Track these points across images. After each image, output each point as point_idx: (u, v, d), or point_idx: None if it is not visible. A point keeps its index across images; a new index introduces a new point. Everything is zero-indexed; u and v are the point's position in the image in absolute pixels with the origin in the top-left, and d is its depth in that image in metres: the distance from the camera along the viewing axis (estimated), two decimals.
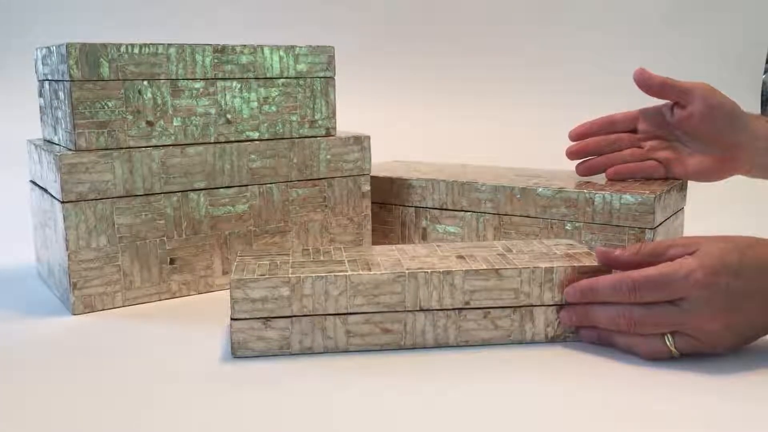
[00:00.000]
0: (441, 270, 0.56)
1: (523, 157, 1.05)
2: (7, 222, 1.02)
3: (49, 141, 0.73)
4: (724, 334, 0.52)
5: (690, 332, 0.52)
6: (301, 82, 0.75)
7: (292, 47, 0.74)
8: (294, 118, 0.75)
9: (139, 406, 0.47)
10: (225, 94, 0.71)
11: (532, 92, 1.59)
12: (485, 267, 0.56)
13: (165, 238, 0.69)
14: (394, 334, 0.56)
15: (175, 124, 0.69)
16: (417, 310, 0.56)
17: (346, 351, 0.56)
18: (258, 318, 0.55)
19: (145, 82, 0.67)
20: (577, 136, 0.80)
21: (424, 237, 0.82)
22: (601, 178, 0.79)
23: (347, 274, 0.55)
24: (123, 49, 0.65)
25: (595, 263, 0.57)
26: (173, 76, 0.68)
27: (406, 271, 0.55)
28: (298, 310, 0.55)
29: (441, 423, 0.45)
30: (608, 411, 0.46)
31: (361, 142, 0.78)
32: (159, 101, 0.68)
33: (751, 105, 1.48)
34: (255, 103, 0.73)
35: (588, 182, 0.77)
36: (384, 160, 0.98)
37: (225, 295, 0.70)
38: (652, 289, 0.52)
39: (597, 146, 0.79)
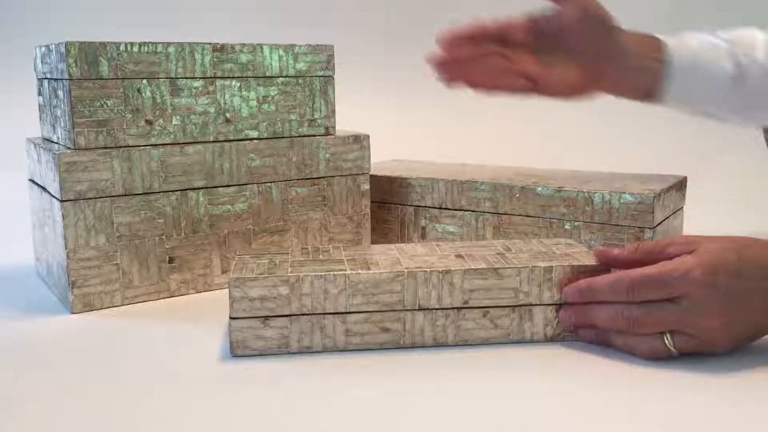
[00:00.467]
0: (440, 269, 0.56)
1: (522, 156, 1.05)
2: (5, 221, 1.02)
3: (48, 139, 0.73)
4: (723, 333, 0.52)
5: (689, 331, 0.52)
6: (301, 81, 0.75)
7: (292, 46, 0.74)
8: (293, 117, 0.75)
9: (137, 405, 0.47)
10: (224, 93, 0.71)
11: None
12: (484, 266, 0.56)
13: (164, 237, 0.69)
14: (393, 333, 0.56)
15: (174, 122, 0.69)
16: (416, 309, 0.56)
17: (345, 350, 0.56)
18: (257, 317, 0.55)
19: (144, 81, 0.67)
20: (445, 43, 0.73)
21: (423, 236, 0.82)
22: (601, 179, 0.79)
23: (346, 273, 0.55)
24: (122, 47, 0.65)
25: (594, 263, 0.57)
26: (172, 75, 0.68)
27: (405, 270, 0.55)
28: (297, 309, 0.55)
29: (440, 422, 0.45)
30: (607, 410, 0.46)
31: (360, 141, 0.78)
32: (158, 100, 0.68)
33: None
34: (254, 102, 0.72)
35: (588, 181, 0.77)
36: (383, 159, 0.98)
37: (224, 294, 0.70)
38: (651, 287, 0.52)
39: (461, 56, 0.72)
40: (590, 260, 0.58)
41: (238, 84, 0.71)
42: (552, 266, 0.57)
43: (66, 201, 0.64)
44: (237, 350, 0.55)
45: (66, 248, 0.64)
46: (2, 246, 0.89)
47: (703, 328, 0.51)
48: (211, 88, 0.70)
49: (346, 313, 0.55)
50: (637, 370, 0.52)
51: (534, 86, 0.73)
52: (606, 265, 0.57)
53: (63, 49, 0.63)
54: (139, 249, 0.67)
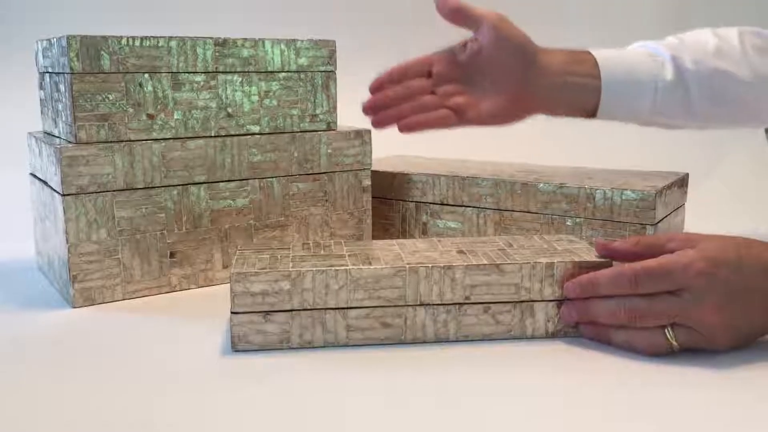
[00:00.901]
0: (442, 265, 0.56)
1: (524, 152, 1.04)
2: (6, 215, 1.02)
3: (49, 134, 0.73)
4: (724, 328, 0.52)
5: (691, 324, 0.52)
6: (303, 76, 0.75)
7: (294, 41, 0.74)
8: (295, 112, 0.75)
9: (138, 399, 0.47)
10: (226, 88, 0.71)
11: None
12: (486, 262, 0.56)
13: (165, 232, 0.69)
14: (395, 328, 0.56)
15: (175, 117, 0.68)
16: (417, 305, 0.56)
17: (346, 345, 0.56)
18: (258, 312, 0.55)
19: (146, 75, 0.66)
20: (374, 88, 0.74)
21: (424, 232, 0.82)
22: (603, 175, 0.79)
23: (348, 268, 0.55)
24: (124, 41, 0.65)
25: (596, 259, 0.57)
26: (174, 69, 0.68)
27: (407, 266, 0.55)
28: (299, 304, 0.55)
29: (441, 417, 0.45)
30: (608, 407, 0.46)
31: (361, 136, 0.78)
32: (160, 94, 0.67)
33: None
34: (256, 97, 0.72)
35: (590, 178, 0.77)
36: (385, 155, 0.98)
37: (225, 289, 0.70)
38: (653, 279, 0.52)
39: (388, 98, 0.73)
40: (592, 256, 0.58)
41: (240, 79, 0.71)
42: (554, 262, 0.56)
43: (67, 195, 0.64)
44: (238, 345, 0.55)
45: (67, 242, 0.64)
46: (3, 240, 0.89)
47: (704, 322, 0.51)
48: (212, 83, 0.70)
49: (347, 308, 0.55)
50: (638, 366, 0.52)
51: (459, 118, 0.73)
52: (606, 257, 0.57)
53: (65, 43, 0.63)
54: (140, 244, 0.67)
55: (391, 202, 0.84)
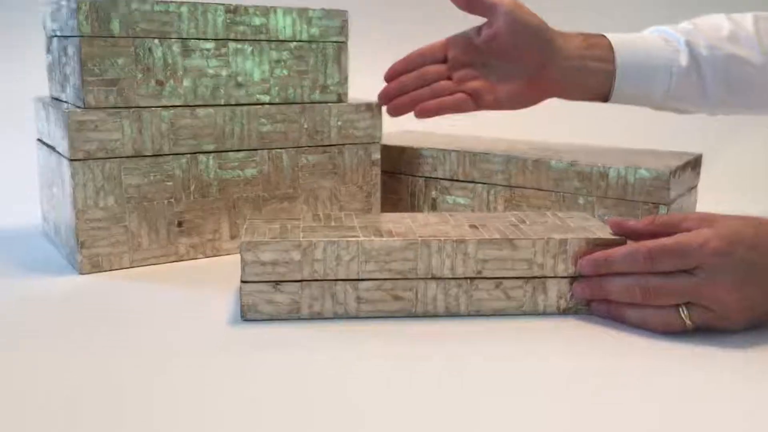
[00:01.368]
0: (454, 238, 0.55)
1: (537, 129, 1.03)
2: (12, 181, 1.01)
3: (56, 99, 0.72)
4: (738, 306, 0.51)
5: (705, 303, 0.51)
6: (314, 46, 0.73)
7: (306, 10, 0.72)
8: (305, 82, 0.74)
9: (147, 368, 0.47)
10: (236, 56, 0.69)
11: None
12: (499, 237, 0.56)
13: (173, 200, 0.68)
14: (405, 301, 0.55)
15: (185, 84, 0.67)
16: (429, 278, 0.55)
17: (356, 317, 0.55)
18: (268, 281, 0.54)
19: (156, 41, 0.65)
20: (390, 76, 0.75)
21: (433, 208, 0.81)
22: (616, 153, 0.78)
23: (359, 239, 0.54)
24: (134, 5, 0.64)
25: (611, 236, 0.57)
26: (184, 36, 0.67)
27: (419, 239, 0.55)
28: (309, 275, 0.54)
29: (449, 389, 0.44)
30: (619, 384, 0.46)
31: (372, 109, 0.77)
32: (169, 60, 0.66)
33: None
34: (266, 66, 0.71)
35: (603, 156, 0.76)
36: (395, 129, 0.96)
37: (232, 259, 0.69)
38: (668, 256, 0.51)
39: (404, 86, 0.74)
40: (606, 234, 0.57)
41: (251, 47, 0.70)
42: (567, 238, 0.56)
43: (75, 160, 0.63)
44: (247, 314, 0.54)
45: (75, 208, 0.63)
46: (9, 206, 0.89)
47: (719, 301, 0.51)
48: (223, 51, 0.69)
49: (357, 279, 0.55)
50: (651, 344, 0.51)
51: (477, 101, 0.73)
52: (621, 235, 0.57)
53: (74, 5, 0.62)
54: (148, 212, 0.67)
55: (400, 177, 0.83)
